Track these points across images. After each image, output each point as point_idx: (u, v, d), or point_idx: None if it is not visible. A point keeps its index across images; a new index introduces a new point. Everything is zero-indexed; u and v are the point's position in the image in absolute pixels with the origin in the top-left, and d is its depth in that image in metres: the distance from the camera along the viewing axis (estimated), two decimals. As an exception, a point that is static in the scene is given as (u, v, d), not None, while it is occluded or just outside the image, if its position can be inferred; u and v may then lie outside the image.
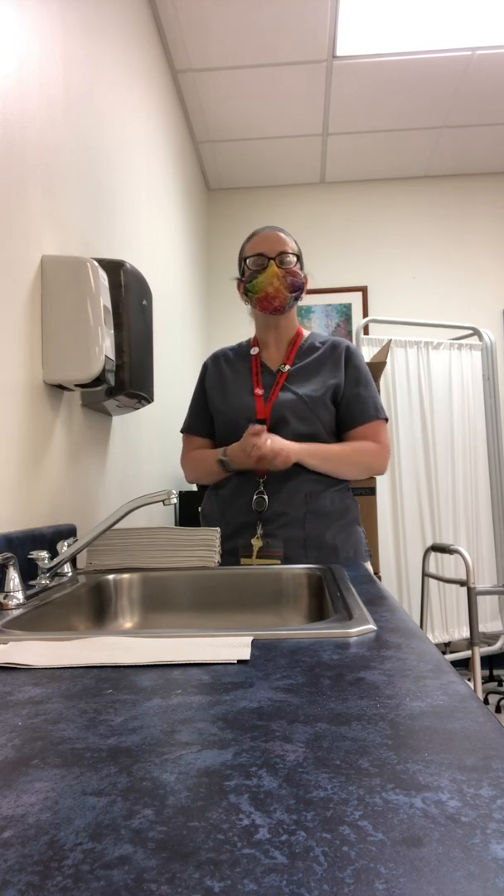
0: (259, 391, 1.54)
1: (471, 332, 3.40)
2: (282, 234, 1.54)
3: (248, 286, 1.54)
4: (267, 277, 1.50)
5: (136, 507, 1.12)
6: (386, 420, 1.58)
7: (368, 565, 1.52)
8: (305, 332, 1.64)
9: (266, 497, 1.47)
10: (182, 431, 1.69)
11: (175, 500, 1.12)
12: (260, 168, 3.75)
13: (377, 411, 1.56)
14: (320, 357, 1.58)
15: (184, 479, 1.73)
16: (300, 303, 1.61)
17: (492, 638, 3.27)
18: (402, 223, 3.90)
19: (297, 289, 1.54)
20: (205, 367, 1.68)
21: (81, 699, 0.52)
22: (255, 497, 1.48)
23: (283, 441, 1.42)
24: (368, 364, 1.66)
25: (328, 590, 1.02)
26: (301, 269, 1.55)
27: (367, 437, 1.54)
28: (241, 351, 1.66)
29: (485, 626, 3.21)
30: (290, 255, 1.51)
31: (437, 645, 3.17)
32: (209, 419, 1.64)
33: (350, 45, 2.73)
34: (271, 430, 1.50)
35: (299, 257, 1.55)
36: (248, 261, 1.53)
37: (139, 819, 0.32)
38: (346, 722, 0.45)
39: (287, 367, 1.56)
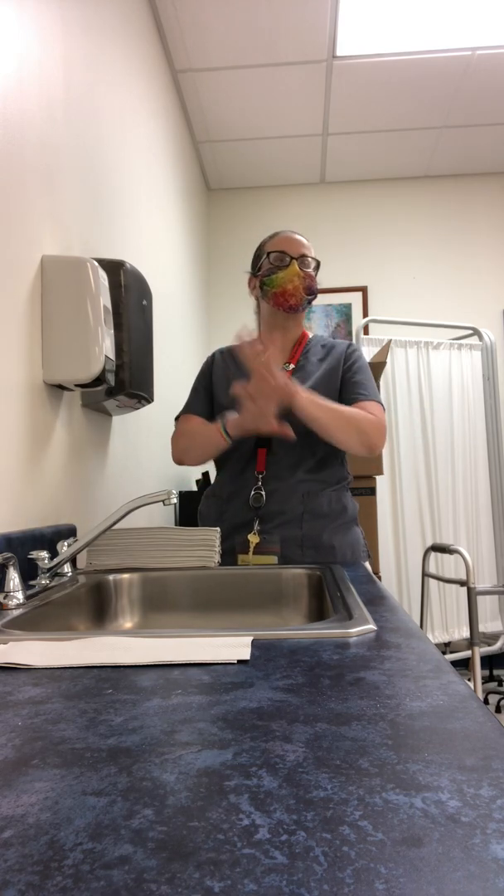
0: None
1: (471, 332, 3.40)
2: (305, 241, 1.58)
3: (265, 280, 1.54)
4: (288, 275, 1.52)
5: (136, 507, 1.12)
6: (382, 406, 1.55)
7: (367, 566, 1.51)
8: (310, 334, 1.65)
9: (263, 493, 1.47)
10: (180, 413, 1.64)
11: (175, 500, 1.12)
12: (260, 168, 3.75)
13: (371, 392, 1.54)
14: (323, 357, 1.59)
15: (184, 480, 1.73)
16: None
17: (492, 638, 3.27)
18: (402, 223, 3.90)
19: (312, 293, 1.56)
20: (212, 358, 1.68)
21: (81, 699, 0.51)
22: (252, 493, 1.48)
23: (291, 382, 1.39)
24: (369, 364, 1.67)
25: (328, 590, 1.02)
26: (316, 276, 1.58)
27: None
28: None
29: (485, 626, 3.21)
30: (310, 260, 1.55)
31: (437, 645, 3.17)
32: (210, 403, 1.62)
33: (350, 45, 2.72)
34: None
35: (317, 266, 1.58)
36: (270, 256, 1.55)
37: (139, 819, 0.32)
38: (346, 722, 0.45)
39: (290, 366, 1.57)
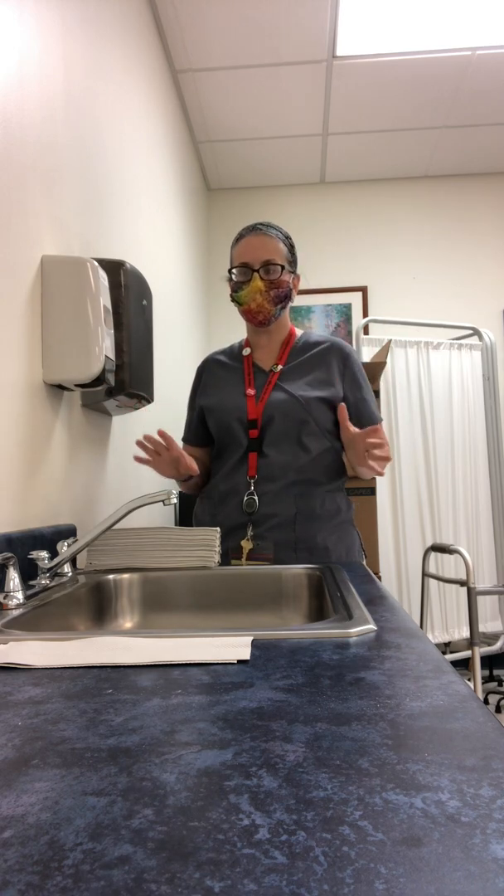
0: (251, 391, 1.53)
1: (471, 332, 3.40)
2: (269, 238, 1.49)
3: (233, 295, 1.53)
4: (250, 293, 1.48)
5: (136, 507, 1.12)
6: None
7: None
8: (298, 332, 1.63)
9: (256, 498, 1.47)
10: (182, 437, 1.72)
11: (175, 500, 1.12)
12: (260, 168, 3.75)
13: (378, 413, 1.58)
14: (315, 356, 1.56)
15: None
16: (298, 303, 1.61)
17: (492, 638, 3.27)
18: (402, 223, 3.90)
19: (283, 299, 1.51)
20: (199, 375, 1.68)
21: (81, 699, 0.51)
22: (245, 498, 1.47)
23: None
24: (368, 364, 1.66)
25: (328, 590, 1.02)
26: (293, 268, 1.53)
27: None
28: (233, 353, 1.65)
29: (485, 626, 3.21)
30: (276, 265, 1.47)
31: (437, 645, 3.17)
32: (201, 431, 1.64)
33: (350, 45, 2.72)
34: (263, 430, 1.49)
35: (289, 262, 1.52)
36: (233, 270, 1.51)
37: (139, 819, 0.32)
38: (346, 722, 0.45)
39: (279, 367, 1.55)
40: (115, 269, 1.48)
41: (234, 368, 1.60)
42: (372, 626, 0.73)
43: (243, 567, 1.31)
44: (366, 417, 1.54)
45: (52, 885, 0.27)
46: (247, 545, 1.45)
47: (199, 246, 3.59)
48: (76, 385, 1.33)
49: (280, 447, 1.48)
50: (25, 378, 1.22)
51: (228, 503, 1.51)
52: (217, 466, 1.59)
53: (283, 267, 1.49)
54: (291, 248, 1.55)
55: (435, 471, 3.16)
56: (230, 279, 1.55)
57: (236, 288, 1.51)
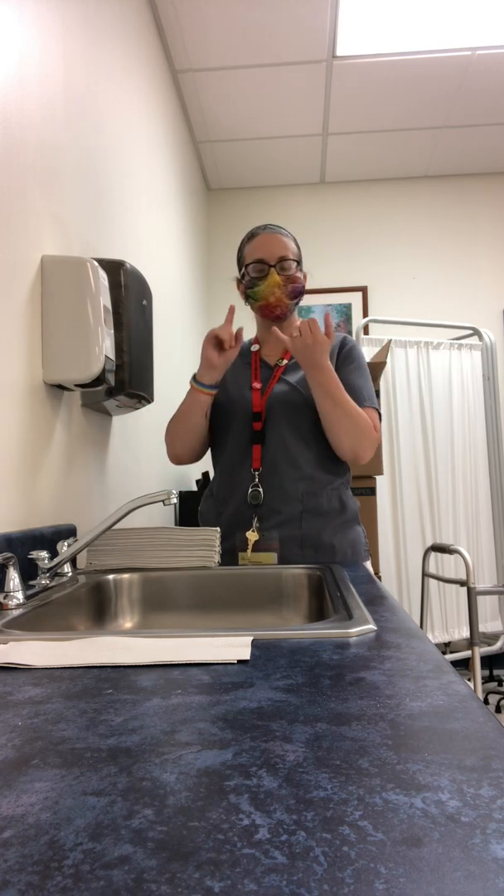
0: (257, 385, 1.55)
1: (471, 332, 3.40)
2: (282, 237, 1.53)
3: (249, 292, 1.55)
4: (268, 287, 1.51)
5: (136, 507, 1.12)
6: (379, 412, 1.54)
7: (368, 565, 1.51)
8: None
9: (261, 490, 1.47)
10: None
11: (175, 500, 1.12)
12: (260, 168, 3.75)
13: (368, 400, 1.51)
14: None
15: (184, 480, 1.73)
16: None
17: (492, 638, 3.27)
18: (402, 223, 3.90)
19: (298, 294, 1.55)
20: None
21: (81, 699, 0.51)
22: (250, 490, 1.48)
23: (324, 347, 1.41)
24: (368, 364, 1.66)
25: (328, 590, 1.02)
26: (301, 270, 1.56)
27: None
28: (242, 349, 1.67)
29: (485, 626, 3.21)
30: (291, 261, 1.51)
31: (437, 645, 3.17)
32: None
33: (350, 45, 2.72)
34: (266, 420, 1.51)
35: (299, 261, 1.55)
36: (248, 267, 1.53)
37: (139, 819, 0.32)
38: (346, 722, 0.45)
39: (284, 362, 1.58)
40: (115, 269, 1.48)
41: (242, 364, 1.62)
42: (372, 626, 0.73)
43: (243, 567, 1.31)
44: (348, 393, 1.50)
45: (52, 885, 0.27)
46: (252, 536, 1.45)
47: (199, 246, 3.59)
48: (76, 385, 1.33)
49: (283, 439, 1.49)
50: (25, 378, 1.22)
51: (233, 500, 1.51)
52: (222, 461, 1.59)
53: (297, 262, 1.53)
54: (299, 249, 1.59)
55: (435, 471, 3.16)
56: (242, 278, 1.57)
57: (252, 284, 1.53)
